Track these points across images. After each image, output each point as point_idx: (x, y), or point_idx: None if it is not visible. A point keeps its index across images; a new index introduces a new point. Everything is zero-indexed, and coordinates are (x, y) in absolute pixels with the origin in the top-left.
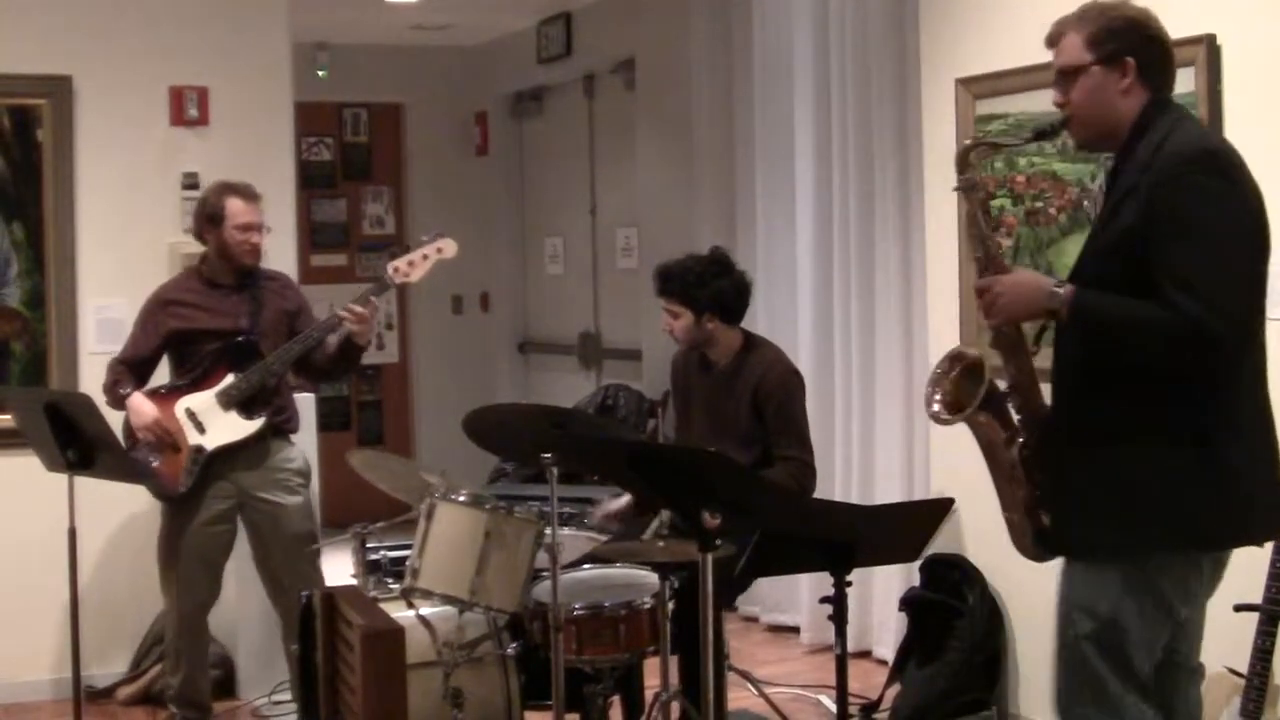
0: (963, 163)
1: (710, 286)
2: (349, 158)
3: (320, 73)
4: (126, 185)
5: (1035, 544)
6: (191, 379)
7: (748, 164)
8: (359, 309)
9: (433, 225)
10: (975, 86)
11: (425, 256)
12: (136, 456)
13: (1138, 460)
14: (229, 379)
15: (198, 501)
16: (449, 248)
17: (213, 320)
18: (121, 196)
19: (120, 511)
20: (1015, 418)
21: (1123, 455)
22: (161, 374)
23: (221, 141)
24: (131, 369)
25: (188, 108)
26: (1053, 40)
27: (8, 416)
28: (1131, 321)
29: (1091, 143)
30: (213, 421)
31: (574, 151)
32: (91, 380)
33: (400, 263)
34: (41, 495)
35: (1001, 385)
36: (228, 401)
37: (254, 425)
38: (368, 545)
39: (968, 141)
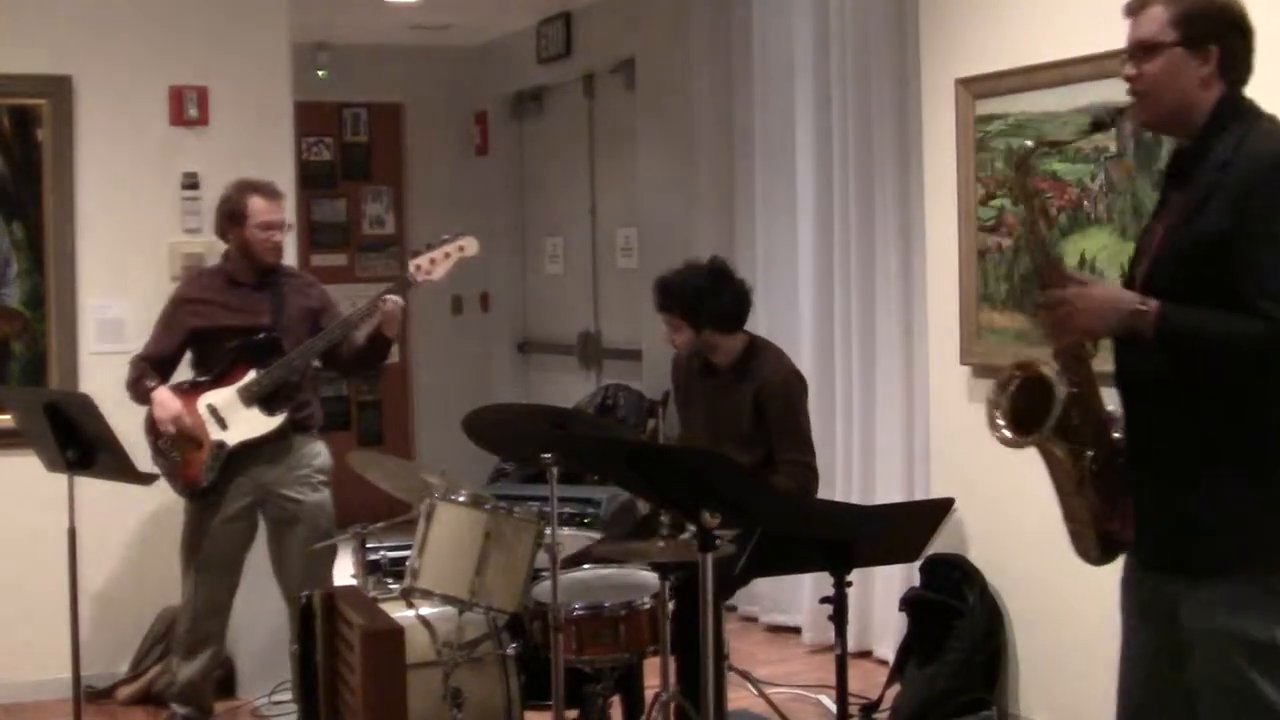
0: (1024, 167)
1: (709, 302)
2: (349, 158)
3: (320, 73)
4: (126, 185)
5: (1102, 552)
6: (214, 375)
7: (748, 164)
8: (394, 300)
9: (432, 225)
10: (975, 86)
11: (447, 255)
12: (159, 449)
13: (1255, 472)
14: (251, 375)
15: (220, 497)
16: (471, 245)
17: (234, 318)
18: (121, 196)
19: (120, 511)
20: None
21: (1237, 470)
22: (181, 372)
23: (221, 141)
24: (154, 366)
25: (188, 108)
26: (1134, 9)
27: (8, 416)
28: (1224, 338)
29: (1156, 124)
30: (234, 417)
31: (574, 151)
32: (92, 380)
33: (422, 260)
34: (41, 495)
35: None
36: (249, 397)
37: (275, 421)
38: (368, 545)
39: (1029, 144)
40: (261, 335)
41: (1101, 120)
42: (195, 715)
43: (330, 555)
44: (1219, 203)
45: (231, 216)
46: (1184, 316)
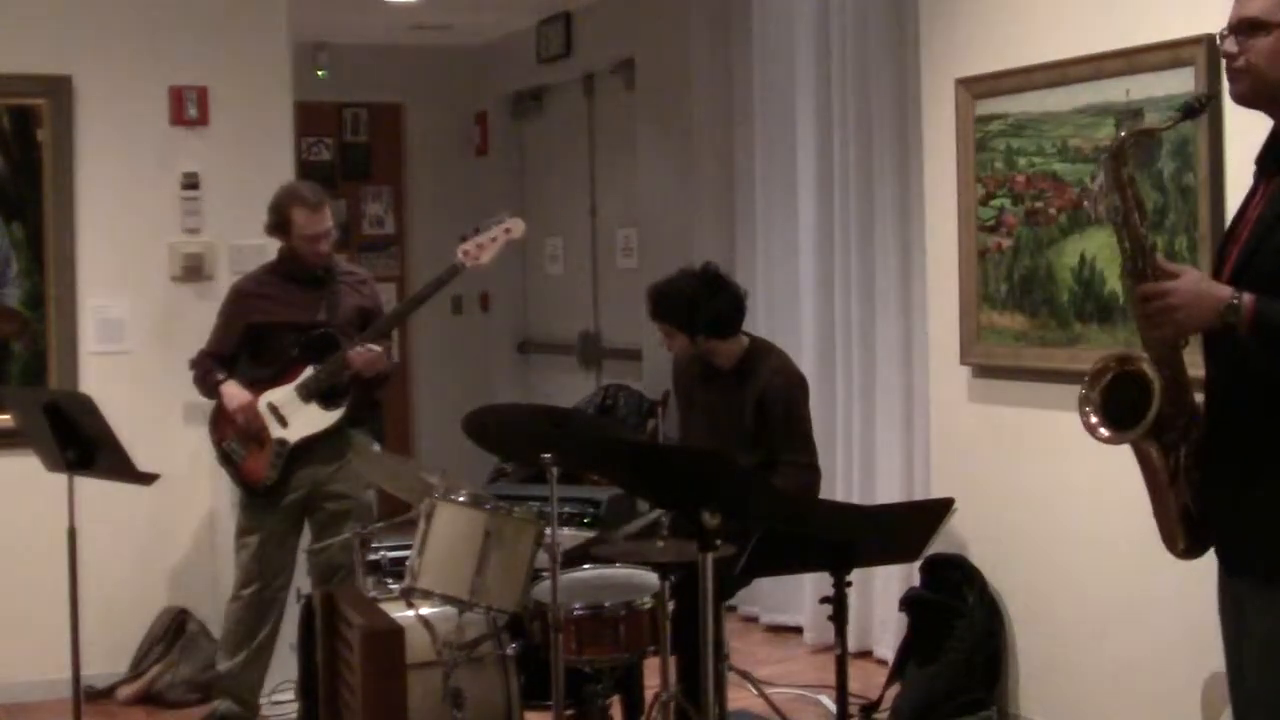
0: (1120, 156)
1: (700, 310)
2: (349, 158)
3: (320, 73)
4: (126, 185)
5: (1190, 544)
6: (272, 373)
7: (748, 164)
8: (364, 351)
9: (432, 225)
10: (975, 86)
11: (494, 239)
12: (224, 450)
13: None
14: (308, 371)
15: (279, 495)
16: (517, 228)
17: (290, 313)
18: (121, 196)
19: (120, 511)
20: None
21: None
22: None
23: (221, 141)
24: (219, 361)
25: (188, 108)
26: None
27: (8, 416)
28: None
29: (1254, 102)
30: (294, 414)
31: (574, 151)
32: (92, 380)
33: (469, 245)
34: (41, 495)
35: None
36: (308, 394)
37: (334, 416)
38: (368, 545)
39: (1123, 133)
40: (318, 331)
41: (1191, 106)
42: (240, 712)
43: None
44: None
45: (278, 225)
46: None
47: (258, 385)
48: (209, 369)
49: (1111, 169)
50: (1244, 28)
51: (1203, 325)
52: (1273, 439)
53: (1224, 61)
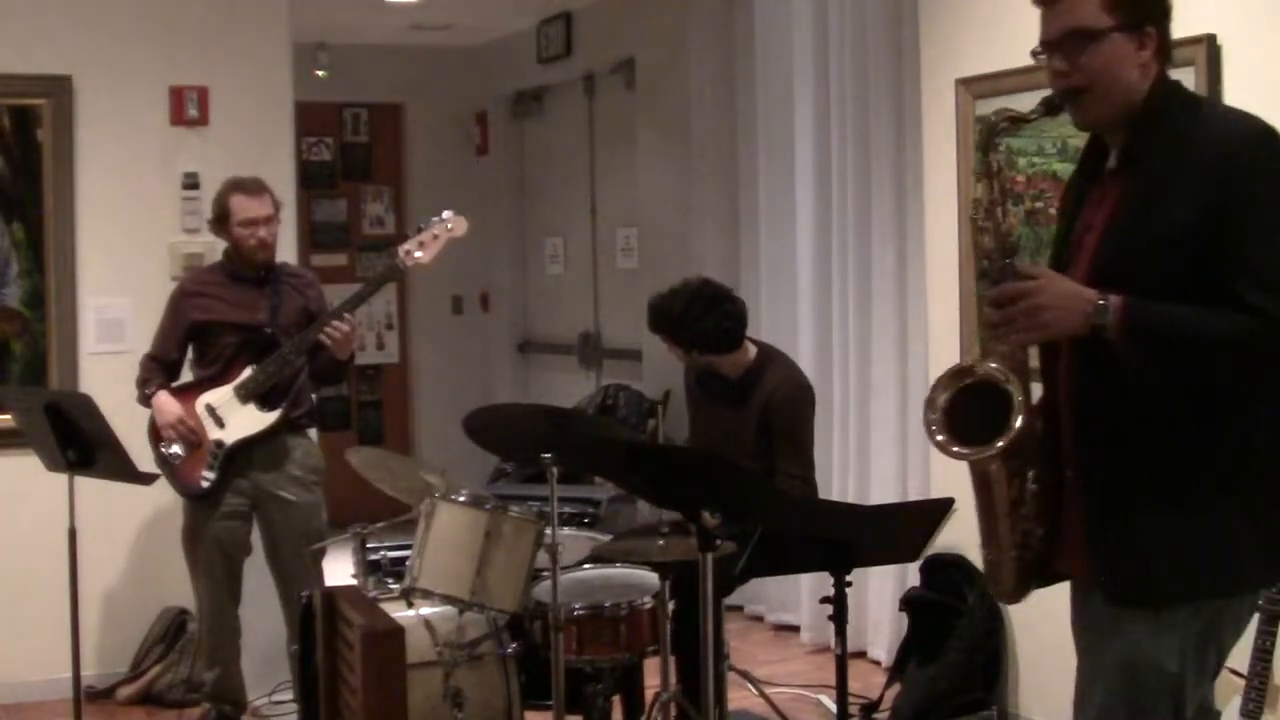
0: (989, 141)
1: (693, 328)
2: (349, 158)
3: (320, 73)
4: (126, 185)
5: (1017, 585)
6: (211, 374)
7: (748, 164)
8: (339, 326)
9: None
10: (975, 86)
11: (436, 236)
12: (162, 453)
13: (1217, 494)
14: (247, 372)
15: (217, 496)
16: (460, 226)
17: (232, 313)
18: (121, 196)
19: (120, 511)
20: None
21: (1198, 489)
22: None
23: (221, 141)
24: (162, 364)
25: (188, 108)
26: None
27: (8, 416)
28: (1206, 335)
29: (1100, 123)
30: (231, 415)
31: (574, 151)
32: (92, 380)
33: (410, 245)
34: (41, 495)
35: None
36: (246, 394)
37: (272, 417)
38: (368, 545)
39: (992, 115)
40: (258, 332)
41: (1052, 102)
42: (230, 711)
43: (320, 555)
44: (1180, 192)
45: (219, 218)
46: (1154, 312)
47: (201, 386)
48: (147, 376)
49: (980, 156)
50: (1070, 40)
51: (1070, 329)
52: (1151, 456)
53: (1052, 83)
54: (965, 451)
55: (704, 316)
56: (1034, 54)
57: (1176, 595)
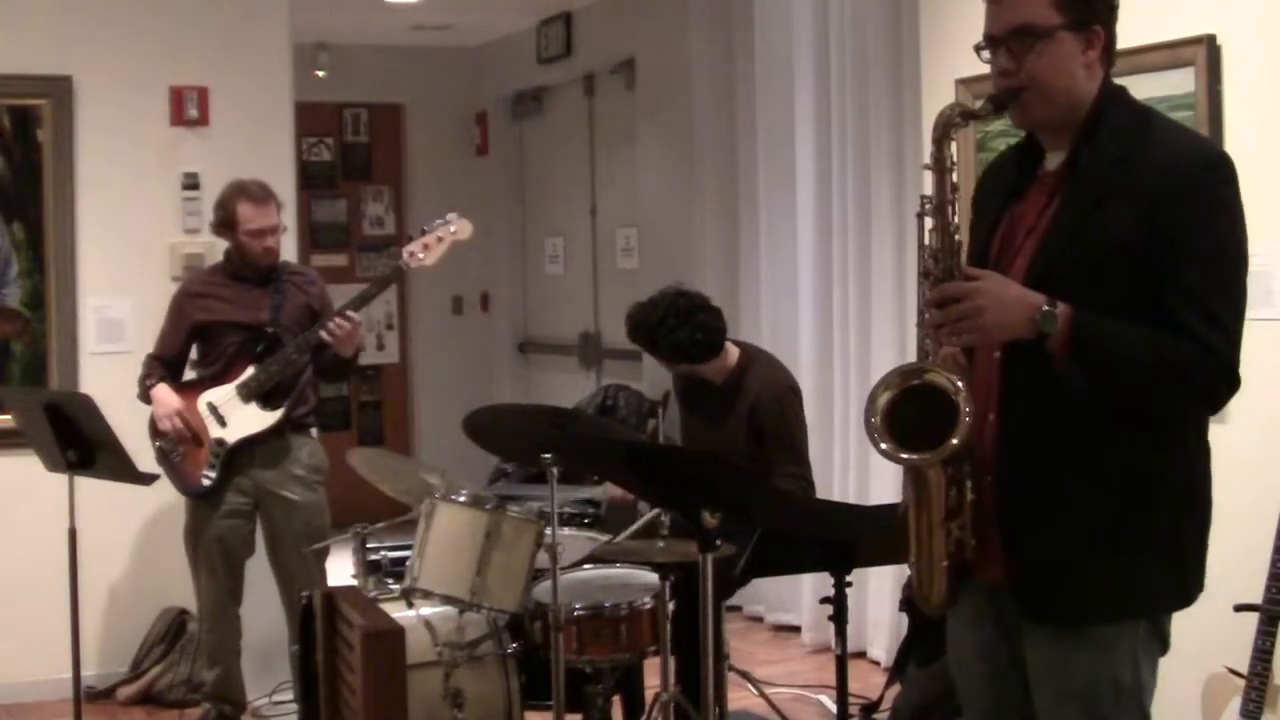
0: (944, 136)
1: (666, 341)
2: (349, 158)
3: (320, 73)
4: (126, 185)
5: (946, 600)
6: (214, 373)
7: (749, 164)
8: (341, 324)
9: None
10: (975, 86)
11: (440, 239)
12: (161, 449)
13: (1140, 513)
14: (249, 371)
15: (219, 495)
16: (464, 229)
17: (235, 313)
18: (121, 196)
19: (120, 511)
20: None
21: (1123, 507)
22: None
23: (221, 141)
24: (164, 363)
25: (188, 108)
26: None
27: (8, 416)
28: (1147, 357)
29: (1043, 124)
30: (233, 414)
31: (574, 151)
32: (92, 380)
33: (414, 246)
34: (41, 495)
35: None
36: (248, 393)
37: (273, 416)
38: (368, 545)
39: (946, 109)
40: (261, 331)
41: (999, 99)
42: (229, 711)
43: (323, 555)
44: (1124, 207)
45: (223, 223)
46: (1101, 327)
47: (204, 384)
48: (149, 371)
49: (934, 149)
50: (1016, 37)
51: (1011, 333)
52: (1077, 470)
53: (995, 81)
54: (910, 458)
55: (679, 328)
56: (977, 49)
57: (1107, 614)
